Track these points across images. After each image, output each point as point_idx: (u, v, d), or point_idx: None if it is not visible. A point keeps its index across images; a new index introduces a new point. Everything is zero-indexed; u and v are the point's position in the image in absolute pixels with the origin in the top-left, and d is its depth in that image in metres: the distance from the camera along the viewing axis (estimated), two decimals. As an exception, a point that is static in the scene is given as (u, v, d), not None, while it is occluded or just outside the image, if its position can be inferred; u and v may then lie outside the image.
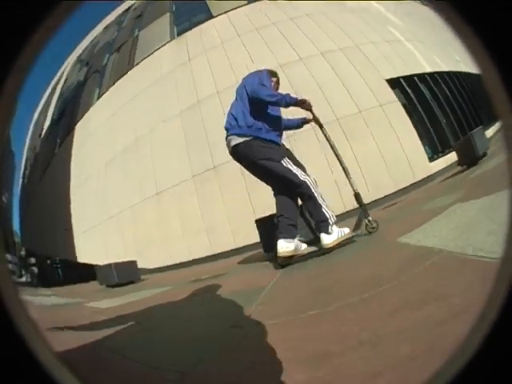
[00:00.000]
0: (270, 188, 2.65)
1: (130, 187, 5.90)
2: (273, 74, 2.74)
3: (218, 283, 2.43)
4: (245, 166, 2.66)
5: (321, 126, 2.76)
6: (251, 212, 4.74)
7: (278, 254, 2.40)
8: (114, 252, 5.85)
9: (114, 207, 6.18)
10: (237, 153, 2.53)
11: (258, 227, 3.47)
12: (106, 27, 8.99)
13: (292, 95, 2.49)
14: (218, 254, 4.83)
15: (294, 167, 2.47)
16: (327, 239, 2.40)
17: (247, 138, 2.45)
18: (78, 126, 7.60)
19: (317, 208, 2.45)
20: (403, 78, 6.00)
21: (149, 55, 6.65)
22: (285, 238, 2.43)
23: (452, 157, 4.93)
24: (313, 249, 2.49)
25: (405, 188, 5.05)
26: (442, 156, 5.64)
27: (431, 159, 5.66)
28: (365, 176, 4.75)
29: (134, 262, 4.76)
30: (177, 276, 4.52)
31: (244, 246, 4.50)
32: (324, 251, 2.40)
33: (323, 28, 5.97)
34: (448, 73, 6.47)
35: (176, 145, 5.36)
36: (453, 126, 6.01)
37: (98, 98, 7.32)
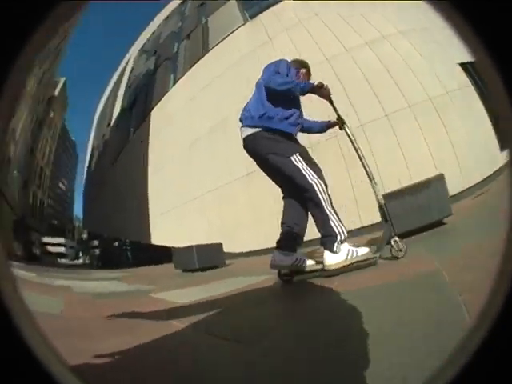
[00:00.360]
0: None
1: (217, 168, 6.10)
2: (301, 64, 2.46)
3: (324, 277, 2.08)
4: (256, 163, 2.30)
5: (343, 123, 2.37)
6: (351, 192, 4.94)
7: (270, 267, 2.16)
8: (195, 234, 5.86)
9: (198, 188, 6.34)
10: (246, 146, 2.23)
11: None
12: (166, 18, 9.40)
13: (309, 82, 2.21)
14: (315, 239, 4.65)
15: (305, 166, 2.10)
16: (330, 259, 2.04)
17: (257, 130, 2.15)
18: (154, 112, 8.05)
19: (323, 219, 2.09)
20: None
21: (223, 39, 6.99)
22: (281, 249, 2.16)
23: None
24: (316, 267, 2.15)
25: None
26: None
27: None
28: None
29: (219, 245, 4.48)
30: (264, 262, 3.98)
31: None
32: (330, 273, 2.04)
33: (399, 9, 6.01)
34: None
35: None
36: None
37: (174, 83, 7.76)
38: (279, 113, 2.14)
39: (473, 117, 5.21)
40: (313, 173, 2.08)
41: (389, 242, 2.08)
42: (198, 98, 6.85)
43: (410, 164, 4.89)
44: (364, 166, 2.29)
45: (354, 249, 2.06)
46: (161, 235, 7.19)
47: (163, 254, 6.24)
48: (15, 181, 13.86)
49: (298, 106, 2.26)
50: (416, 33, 5.74)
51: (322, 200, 2.06)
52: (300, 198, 2.18)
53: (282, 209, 2.25)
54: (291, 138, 2.18)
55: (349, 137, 2.33)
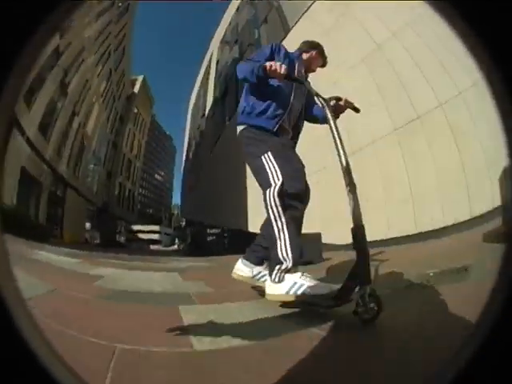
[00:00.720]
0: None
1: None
2: (310, 45, 2.12)
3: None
4: None
5: (323, 107, 1.67)
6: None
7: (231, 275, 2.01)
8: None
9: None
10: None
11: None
12: (237, 10, 10.20)
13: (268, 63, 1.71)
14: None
15: (272, 164, 1.73)
16: (269, 288, 1.66)
17: (240, 127, 1.93)
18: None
19: (271, 238, 1.69)
20: None
21: (301, 17, 7.62)
22: (244, 258, 1.98)
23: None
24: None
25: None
26: None
27: None
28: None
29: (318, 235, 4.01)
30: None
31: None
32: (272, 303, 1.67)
33: None
34: None
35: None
36: None
37: (261, 66, 8.66)
38: (256, 106, 1.87)
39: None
40: (278, 173, 1.70)
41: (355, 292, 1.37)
42: None
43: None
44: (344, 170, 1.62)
45: (305, 283, 1.57)
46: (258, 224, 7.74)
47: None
48: (93, 173, 15.79)
49: (278, 95, 1.88)
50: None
51: (271, 213, 1.68)
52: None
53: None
54: (273, 133, 1.83)
55: (329, 124, 1.62)
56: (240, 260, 1.97)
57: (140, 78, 23.00)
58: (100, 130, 16.18)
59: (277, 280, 1.62)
